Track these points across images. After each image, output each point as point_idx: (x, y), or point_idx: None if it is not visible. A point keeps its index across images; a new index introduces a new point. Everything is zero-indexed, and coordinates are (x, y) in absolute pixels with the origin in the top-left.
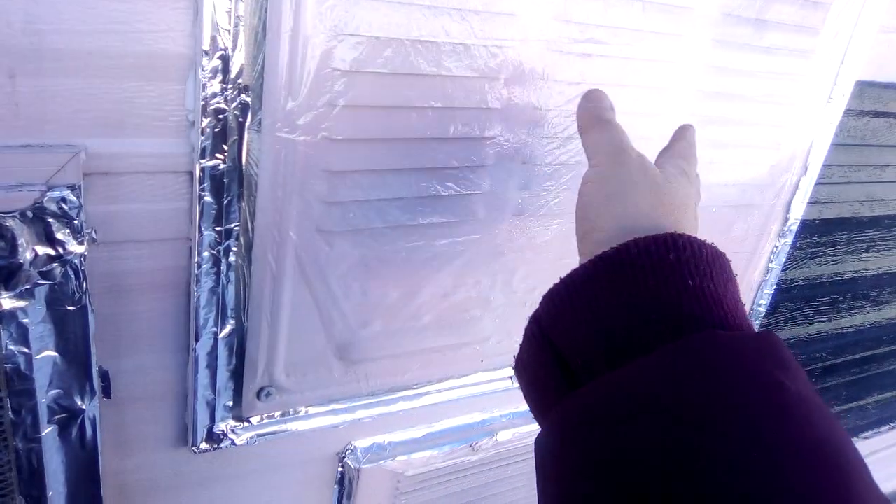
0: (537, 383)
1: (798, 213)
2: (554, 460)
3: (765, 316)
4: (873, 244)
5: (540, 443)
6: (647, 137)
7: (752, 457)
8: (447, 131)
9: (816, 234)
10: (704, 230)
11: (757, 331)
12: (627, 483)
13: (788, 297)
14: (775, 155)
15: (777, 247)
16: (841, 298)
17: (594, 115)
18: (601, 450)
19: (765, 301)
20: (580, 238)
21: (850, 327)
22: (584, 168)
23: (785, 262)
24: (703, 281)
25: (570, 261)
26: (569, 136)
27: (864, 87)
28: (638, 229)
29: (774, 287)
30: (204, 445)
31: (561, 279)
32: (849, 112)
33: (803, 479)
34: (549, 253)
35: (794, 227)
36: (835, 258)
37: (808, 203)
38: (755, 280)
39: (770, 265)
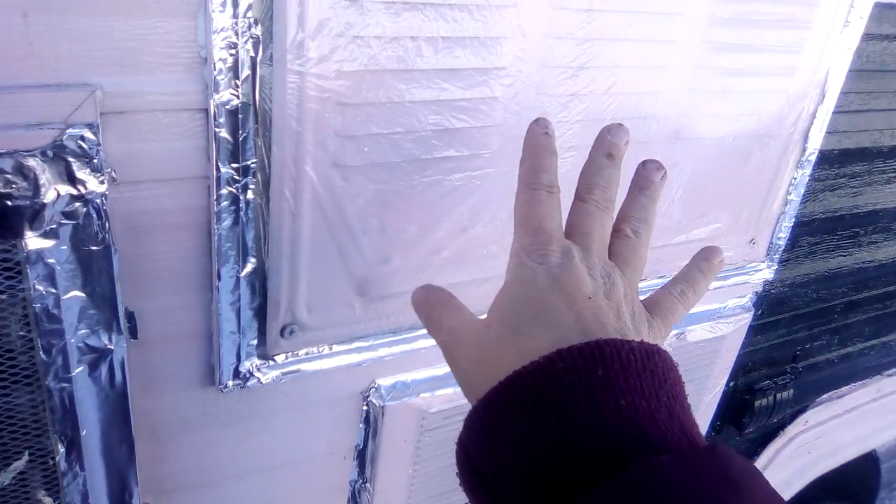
0: (471, 498)
1: (816, 143)
2: None
3: (785, 250)
4: (895, 175)
5: None
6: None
7: None
8: (458, 62)
9: (836, 164)
10: (720, 161)
11: (705, 444)
12: None
13: (808, 230)
14: (791, 82)
15: (795, 178)
16: (862, 232)
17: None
18: None
19: (784, 235)
20: (495, 342)
21: (872, 261)
22: (598, 98)
23: (804, 195)
24: (635, 398)
25: None
26: (581, 66)
27: (883, 10)
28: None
29: (793, 220)
30: (230, 384)
31: (479, 400)
32: (867, 36)
33: None
34: (565, 185)
35: (813, 158)
36: (855, 190)
37: (826, 132)
38: (774, 213)
39: (788, 197)
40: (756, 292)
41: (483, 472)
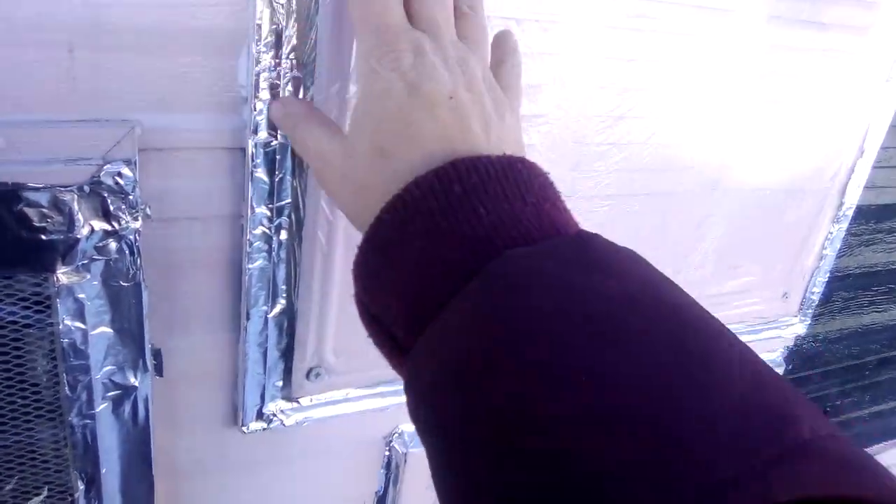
0: (389, 359)
1: (853, 197)
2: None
3: (818, 305)
4: None
5: None
6: (691, 119)
7: (564, 375)
8: None
9: (872, 220)
10: (756, 213)
11: (574, 232)
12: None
13: (842, 285)
14: (830, 137)
15: (831, 233)
16: None
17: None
18: (437, 418)
19: (818, 289)
20: (355, 187)
21: None
22: (637, 148)
23: (839, 250)
24: (496, 204)
25: (621, 243)
26: (620, 116)
27: None
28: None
29: (828, 275)
30: (253, 426)
31: (358, 246)
32: None
33: (638, 375)
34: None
35: (850, 213)
36: (891, 245)
37: (864, 187)
38: (808, 267)
39: (824, 252)
40: (787, 347)
41: (377, 315)
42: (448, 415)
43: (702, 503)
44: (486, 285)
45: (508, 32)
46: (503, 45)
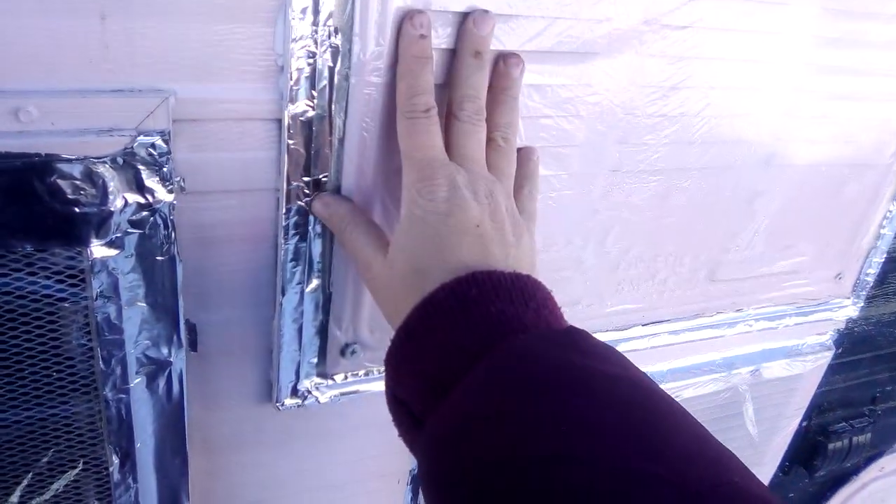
0: (407, 440)
1: None
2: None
3: (872, 287)
4: None
5: None
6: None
7: (563, 431)
8: (542, 77)
9: None
10: (811, 191)
11: (567, 326)
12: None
13: None
14: (892, 110)
15: (890, 211)
16: None
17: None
18: (448, 470)
19: (873, 270)
20: (397, 294)
21: None
22: (689, 120)
23: None
24: (504, 305)
25: (670, 220)
26: (673, 86)
27: None
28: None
29: (885, 256)
30: (288, 402)
31: (391, 339)
32: None
33: (612, 429)
34: (647, 212)
35: None
36: None
37: None
38: (864, 247)
39: (882, 231)
40: (838, 330)
41: (401, 398)
42: (462, 463)
43: None
44: (495, 360)
45: (530, 152)
46: (523, 169)
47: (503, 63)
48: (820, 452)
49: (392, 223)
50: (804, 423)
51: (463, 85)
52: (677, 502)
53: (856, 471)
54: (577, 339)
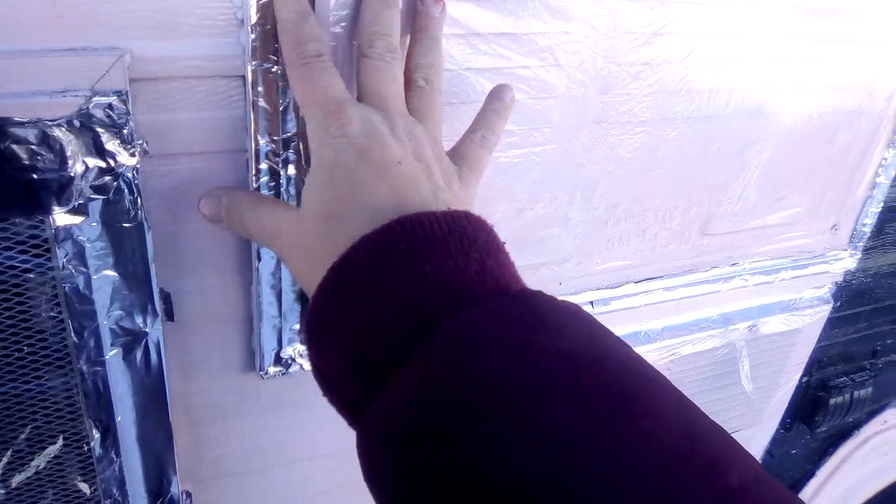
0: (345, 418)
1: None
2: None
3: (869, 238)
4: None
5: None
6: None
7: (512, 435)
8: (519, 25)
9: None
10: (803, 140)
11: (516, 290)
12: None
13: None
14: (885, 54)
15: (885, 159)
16: None
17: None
18: (390, 489)
19: (870, 221)
20: (307, 256)
21: None
22: (673, 68)
23: (894, 177)
24: (440, 261)
25: (658, 172)
26: (655, 32)
27: None
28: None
29: (881, 205)
30: (271, 370)
31: (308, 307)
32: None
33: (565, 422)
34: (634, 165)
35: None
36: None
37: None
38: (859, 197)
39: (877, 180)
40: (836, 283)
41: (329, 377)
42: (392, 483)
43: None
44: (432, 353)
45: (500, 91)
46: (484, 109)
47: (422, 3)
48: (821, 408)
49: None
50: (804, 379)
51: (371, 23)
52: None
53: (858, 425)
54: (532, 309)
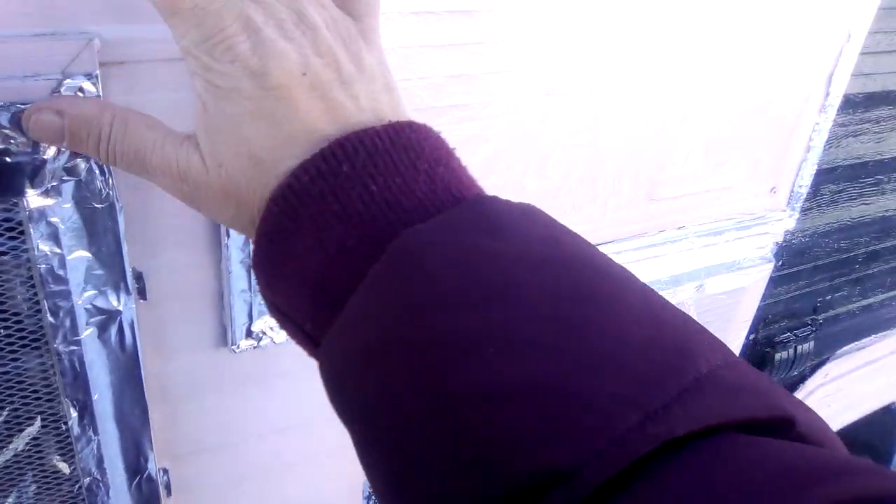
0: (301, 346)
1: (840, 86)
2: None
3: (806, 199)
4: None
5: None
6: (675, 29)
7: (463, 347)
8: (470, 2)
9: (860, 109)
10: (740, 107)
11: (470, 197)
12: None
13: (830, 178)
14: (814, 22)
15: (818, 124)
16: (886, 179)
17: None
18: (357, 410)
19: (805, 183)
20: (227, 193)
21: None
22: (618, 39)
23: (827, 141)
24: (386, 178)
25: (607, 141)
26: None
27: None
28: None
29: (815, 168)
30: (243, 344)
31: (253, 242)
32: None
33: (539, 339)
34: (584, 134)
35: (836, 102)
36: (879, 136)
37: (851, 75)
38: (795, 160)
39: (811, 143)
40: (777, 242)
41: (285, 312)
42: (359, 402)
43: (608, 453)
44: (386, 268)
45: None
46: None
47: None
48: (768, 363)
49: None
50: (751, 336)
51: None
52: (640, 424)
53: (802, 379)
54: (486, 214)
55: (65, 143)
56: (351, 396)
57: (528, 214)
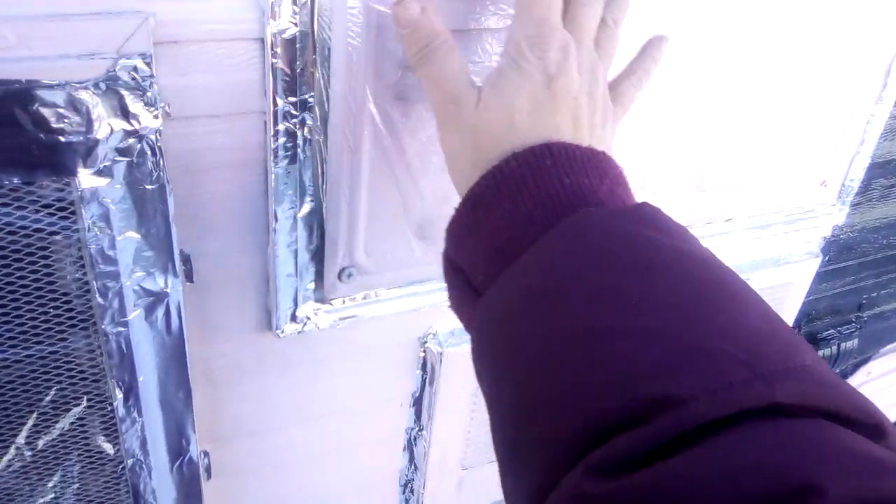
0: (461, 312)
1: None
2: (477, 367)
3: (857, 193)
4: None
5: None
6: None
7: (626, 306)
8: None
9: None
10: (795, 96)
11: (642, 203)
12: (528, 367)
13: (883, 172)
14: (875, 11)
15: (873, 115)
16: None
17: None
18: (505, 345)
19: (857, 177)
20: (463, 172)
21: None
22: (672, 25)
23: (881, 134)
24: (579, 178)
25: (656, 129)
26: None
27: None
28: (516, 146)
29: (868, 161)
30: (287, 329)
31: (455, 209)
32: None
33: (676, 302)
34: (635, 121)
35: (893, 94)
36: None
37: None
38: (847, 154)
39: (865, 136)
40: (824, 237)
41: (462, 268)
42: (509, 341)
43: (717, 394)
44: (563, 230)
45: (658, 39)
46: (641, 54)
47: None
48: None
49: (380, 138)
50: (796, 332)
51: None
52: (748, 380)
53: (845, 376)
54: (651, 214)
55: (403, 31)
56: (506, 334)
57: (681, 226)
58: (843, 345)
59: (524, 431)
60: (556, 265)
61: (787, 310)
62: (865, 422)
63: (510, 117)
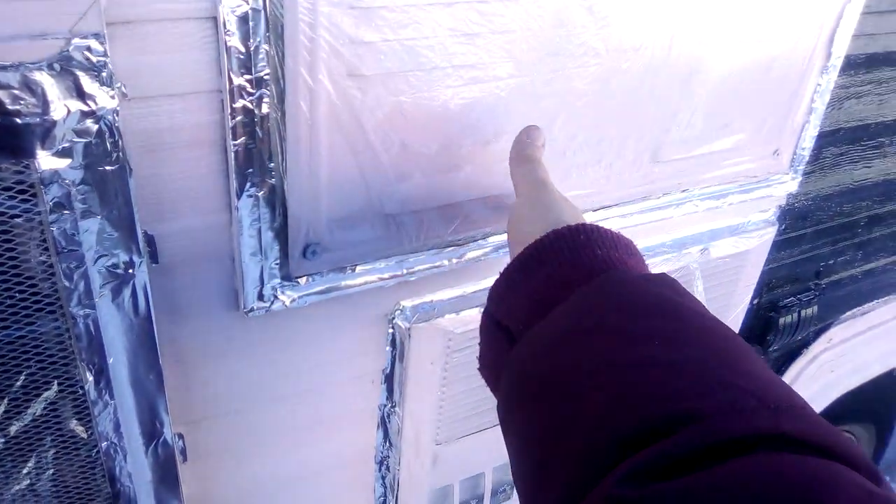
0: (491, 369)
1: (842, 47)
2: (507, 408)
3: (809, 161)
4: None
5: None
6: None
7: (656, 345)
8: None
9: (862, 70)
10: (743, 68)
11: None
12: (562, 397)
13: (833, 140)
14: None
15: (820, 85)
16: (887, 142)
17: (525, 153)
18: (547, 372)
19: (808, 145)
20: (513, 246)
21: None
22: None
23: (829, 103)
24: (609, 251)
25: (612, 103)
26: None
27: None
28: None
29: (818, 130)
30: (255, 307)
31: (500, 272)
32: None
33: (697, 346)
34: (589, 96)
35: (838, 63)
36: (882, 97)
37: (853, 36)
38: (798, 123)
39: (813, 105)
40: (780, 206)
41: (500, 320)
42: (547, 374)
43: (732, 414)
44: (599, 284)
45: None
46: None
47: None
48: (772, 328)
49: (337, 114)
50: (755, 301)
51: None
52: (756, 411)
53: (806, 344)
54: (672, 282)
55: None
56: (548, 363)
57: (695, 298)
58: (803, 312)
59: (557, 448)
60: (590, 309)
61: (747, 278)
62: (857, 463)
63: (534, 214)
